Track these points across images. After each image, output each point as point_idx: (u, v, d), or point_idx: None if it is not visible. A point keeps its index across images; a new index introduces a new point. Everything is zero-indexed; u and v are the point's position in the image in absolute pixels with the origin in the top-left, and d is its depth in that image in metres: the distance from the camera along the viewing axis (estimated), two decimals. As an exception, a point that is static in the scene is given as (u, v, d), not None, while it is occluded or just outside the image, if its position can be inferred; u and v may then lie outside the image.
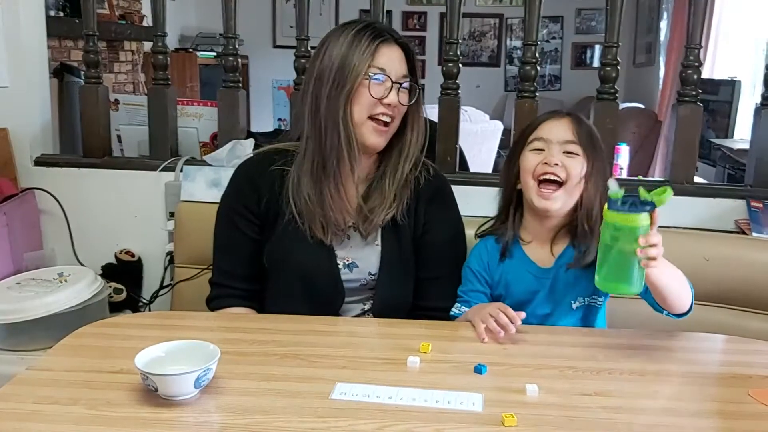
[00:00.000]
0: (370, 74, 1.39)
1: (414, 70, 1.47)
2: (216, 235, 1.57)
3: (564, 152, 1.38)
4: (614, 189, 1.18)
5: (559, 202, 1.38)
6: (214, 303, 1.56)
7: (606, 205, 1.18)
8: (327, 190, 1.44)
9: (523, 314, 1.30)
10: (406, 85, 1.45)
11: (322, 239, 1.47)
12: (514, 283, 1.48)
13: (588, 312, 1.48)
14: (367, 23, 1.45)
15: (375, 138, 1.44)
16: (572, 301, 1.45)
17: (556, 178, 1.37)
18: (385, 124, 1.43)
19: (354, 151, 1.42)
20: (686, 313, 1.33)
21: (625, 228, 1.16)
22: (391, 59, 1.42)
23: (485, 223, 1.57)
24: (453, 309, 1.49)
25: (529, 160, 1.40)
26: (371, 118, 1.42)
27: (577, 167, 1.37)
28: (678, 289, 1.29)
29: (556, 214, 1.42)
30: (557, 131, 1.39)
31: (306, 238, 1.46)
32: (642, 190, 1.16)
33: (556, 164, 1.36)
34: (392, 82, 1.41)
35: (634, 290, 1.21)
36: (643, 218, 1.16)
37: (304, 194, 1.45)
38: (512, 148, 1.51)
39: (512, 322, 1.28)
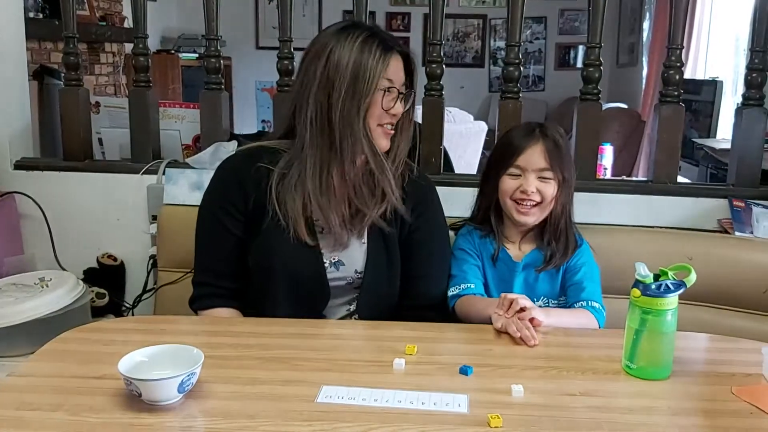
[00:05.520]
0: (383, 87, 1.42)
1: (412, 75, 1.50)
2: (199, 232, 1.55)
3: (539, 178, 1.53)
4: (644, 273, 1.16)
5: (536, 216, 1.56)
6: (197, 304, 1.54)
7: (634, 290, 1.17)
8: (328, 192, 1.45)
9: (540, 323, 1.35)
10: (406, 92, 1.48)
11: (307, 239, 1.46)
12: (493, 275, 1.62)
13: None
14: (371, 32, 1.44)
15: (384, 142, 1.48)
16: (535, 300, 1.54)
17: (532, 203, 1.53)
18: (391, 128, 1.48)
19: (379, 158, 1.45)
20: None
21: (656, 311, 1.15)
22: (397, 70, 1.45)
23: (460, 221, 1.71)
24: (450, 291, 1.56)
25: (508, 184, 1.56)
26: (379, 125, 1.45)
27: (550, 189, 1.54)
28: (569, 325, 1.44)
29: (531, 225, 1.58)
30: (533, 160, 1.53)
31: (291, 236, 1.46)
32: (664, 271, 1.17)
33: (533, 192, 1.53)
34: (398, 93, 1.44)
35: (666, 374, 1.17)
36: (674, 300, 1.16)
37: (300, 195, 1.44)
38: (490, 165, 1.63)
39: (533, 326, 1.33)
